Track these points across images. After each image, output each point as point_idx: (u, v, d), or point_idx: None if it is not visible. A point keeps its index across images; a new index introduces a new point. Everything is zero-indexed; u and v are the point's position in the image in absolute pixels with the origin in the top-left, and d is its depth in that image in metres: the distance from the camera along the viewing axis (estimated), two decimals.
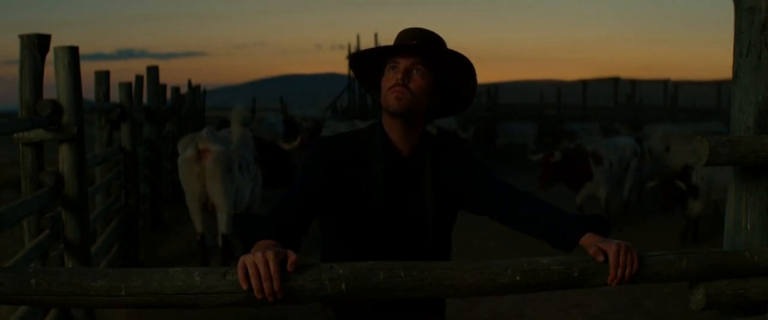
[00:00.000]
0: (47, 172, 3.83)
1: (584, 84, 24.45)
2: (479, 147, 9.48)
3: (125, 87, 6.85)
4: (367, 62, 2.14)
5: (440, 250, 2.17)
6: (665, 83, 25.92)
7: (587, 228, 1.91)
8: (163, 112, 9.18)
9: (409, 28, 2.08)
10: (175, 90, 11.67)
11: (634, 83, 25.14)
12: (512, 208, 2.07)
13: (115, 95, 6.66)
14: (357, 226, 2.10)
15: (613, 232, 2.03)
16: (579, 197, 8.53)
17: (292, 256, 1.61)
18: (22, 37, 3.74)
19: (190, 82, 15.32)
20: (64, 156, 4.00)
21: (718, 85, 25.71)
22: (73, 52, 4.03)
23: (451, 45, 2.11)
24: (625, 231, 8.34)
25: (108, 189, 6.28)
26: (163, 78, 9.29)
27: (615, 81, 24.83)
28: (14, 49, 3.77)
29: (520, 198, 2.08)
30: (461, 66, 2.08)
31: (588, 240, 1.88)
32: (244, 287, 1.55)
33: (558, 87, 24.32)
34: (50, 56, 3.90)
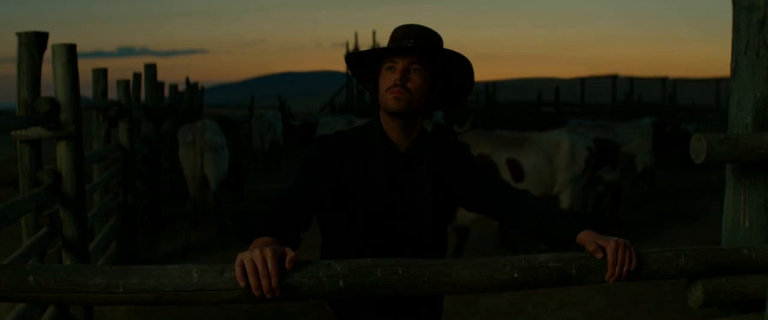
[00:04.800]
0: (45, 170, 3.83)
1: (582, 81, 24.45)
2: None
3: (123, 84, 6.85)
4: (364, 60, 2.13)
5: (437, 247, 2.18)
6: (663, 81, 25.94)
7: (583, 226, 1.92)
8: (161, 110, 9.18)
9: (404, 26, 2.06)
10: (173, 87, 11.66)
11: (632, 81, 25.14)
12: (509, 206, 2.07)
13: (113, 93, 6.66)
14: (355, 223, 2.10)
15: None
16: None
17: (290, 253, 1.60)
18: (19, 34, 3.73)
19: (188, 80, 15.31)
20: (62, 153, 3.99)
21: (716, 83, 25.74)
22: (70, 50, 4.02)
23: (449, 42, 2.10)
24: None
25: (106, 187, 6.28)
26: (165, 75, 9.38)
27: (613, 79, 24.84)
28: (12, 46, 3.77)
29: (517, 196, 2.08)
30: (458, 63, 2.07)
31: (586, 237, 1.88)
32: (242, 284, 1.55)
33: (556, 85, 24.31)
34: (48, 54, 3.89)
